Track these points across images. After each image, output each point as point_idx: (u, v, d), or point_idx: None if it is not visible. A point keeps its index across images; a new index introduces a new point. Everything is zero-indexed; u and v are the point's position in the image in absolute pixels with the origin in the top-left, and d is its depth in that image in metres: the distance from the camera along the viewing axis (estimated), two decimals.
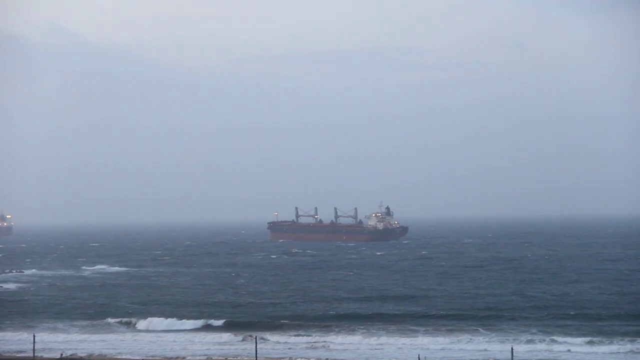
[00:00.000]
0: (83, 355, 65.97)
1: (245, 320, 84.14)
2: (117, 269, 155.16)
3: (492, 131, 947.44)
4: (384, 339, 73.10)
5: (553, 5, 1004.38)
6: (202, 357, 66.46)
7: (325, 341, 72.96)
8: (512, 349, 61.24)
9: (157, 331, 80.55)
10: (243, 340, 74.52)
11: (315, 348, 70.47)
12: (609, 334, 71.71)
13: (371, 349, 69.70)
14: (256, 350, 61.81)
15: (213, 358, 65.63)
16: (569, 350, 67.03)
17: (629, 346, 67.44)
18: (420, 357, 62.55)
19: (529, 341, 70.20)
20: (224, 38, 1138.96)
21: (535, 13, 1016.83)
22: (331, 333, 76.50)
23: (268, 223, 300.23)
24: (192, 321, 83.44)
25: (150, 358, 65.87)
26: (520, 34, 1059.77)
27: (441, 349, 68.84)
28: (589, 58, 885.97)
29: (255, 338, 67.12)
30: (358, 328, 78.25)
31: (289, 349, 70.31)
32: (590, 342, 69.15)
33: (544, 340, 70.27)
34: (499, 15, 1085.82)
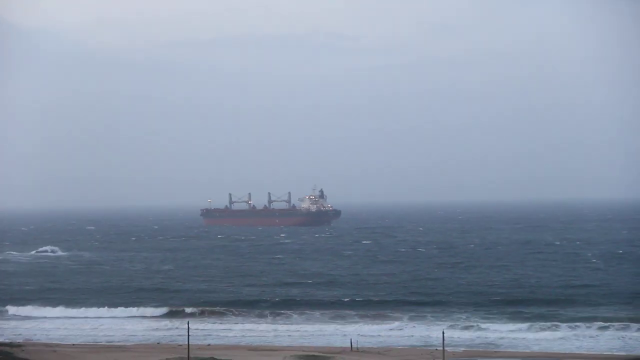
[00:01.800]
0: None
1: (173, 306, 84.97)
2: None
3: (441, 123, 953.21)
4: (317, 326, 74.61)
5: None
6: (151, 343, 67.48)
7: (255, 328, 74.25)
8: (443, 332, 62.89)
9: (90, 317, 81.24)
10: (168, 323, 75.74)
11: (249, 333, 71.69)
12: (528, 318, 74.49)
13: (301, 336, 71.04)
14: (188, 337, 62.62)
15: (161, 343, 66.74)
16: (501, 338, 69.10)
17: (549, 332, 70.08)
18: (352, 342, 64.08)
19: (460, 327, 72.24)
20: (152, 20, 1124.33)
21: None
22: (262, 319, 77.94)
23: (201, 210, 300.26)
24: (120, 309, 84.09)
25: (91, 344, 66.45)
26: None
27: (372, 335, 70.54)
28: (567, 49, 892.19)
29: (188, 323, 67.90)
30: (291, 313, 79.74)
31: (223, 334, 71.39)
32: (519, 329, 71.59)
33: (472, 327, 72.38)
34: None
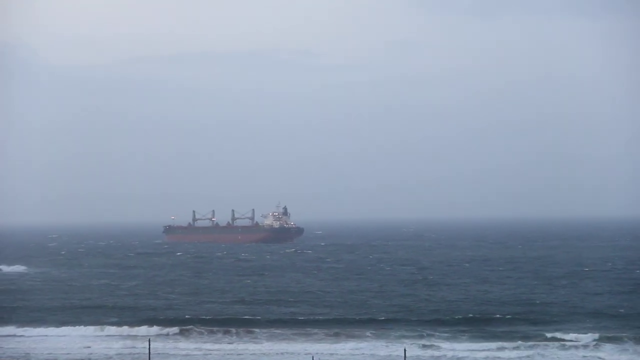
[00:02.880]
0: None
1: (133, 324, 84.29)
2: None
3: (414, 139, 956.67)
4: (280, 344, 74.41)
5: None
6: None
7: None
8: (404, 350, 62.98)
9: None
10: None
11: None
12: (490, 337, 74.87)
13: (264, 354, 70.76)
14: (150, 355, 62.08)
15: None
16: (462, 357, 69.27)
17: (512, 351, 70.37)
18: (313, 358, 64.08)
19: (421, 345, 72.31)
20: (111, 36, 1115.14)
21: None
22: (226, 336, 77.59)
23: (164, 227, 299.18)
24: (83, 327, 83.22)
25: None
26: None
27: (333, 353, 70.45)
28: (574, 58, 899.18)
29: (149, 341, 67.35)
30: (254, 330, 79.48)
31: (184, 352, 70.92)
32: (481, 348, 71.86)
33: (433, 346, 72.50)
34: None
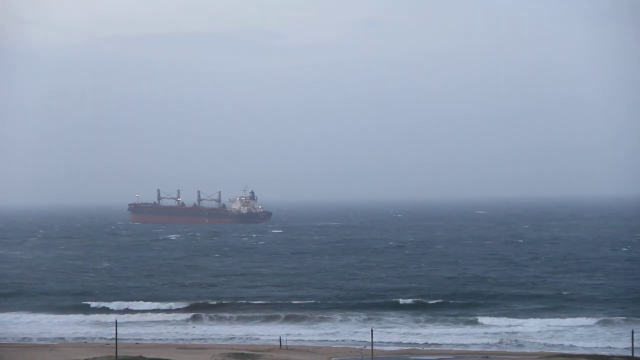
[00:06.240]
0: None
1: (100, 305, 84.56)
2: None
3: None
4: (249, 327, 75.15)
5: None
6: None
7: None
8: (371, 330, 63.73)
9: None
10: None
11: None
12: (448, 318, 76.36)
13: (232, 336, 71.29)
14: (116, 334, 62.42)
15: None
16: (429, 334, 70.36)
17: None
18: (281, 340, 64.65)
19: (391, 327, 73.22)
20: (79, 17, 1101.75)
21: None
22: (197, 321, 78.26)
23: (129, 205, 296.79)
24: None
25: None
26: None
27: (301, 334, 71.16)
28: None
29: (116, 322, 67.60)
30: (222, 314, 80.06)
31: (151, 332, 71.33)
32: (446, 330, 72.95)
33: (403, 325, 73.48)
34: None
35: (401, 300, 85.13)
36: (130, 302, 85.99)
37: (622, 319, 74.03)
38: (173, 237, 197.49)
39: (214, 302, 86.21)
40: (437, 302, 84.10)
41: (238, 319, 78.44)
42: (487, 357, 61.07)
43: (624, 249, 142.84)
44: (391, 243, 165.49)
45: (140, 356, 56.32)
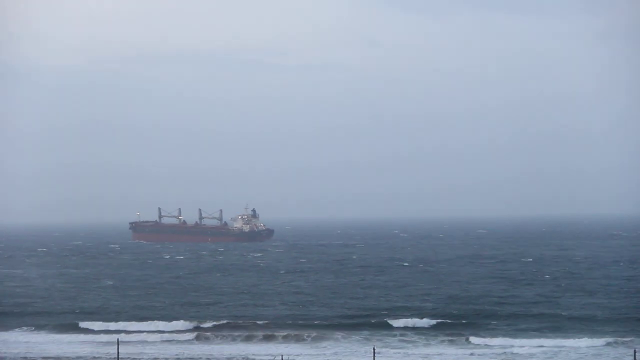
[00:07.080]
0: None
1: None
2: None
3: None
4: (246, 346, 74.81)
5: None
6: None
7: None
8: (374, 348, 63.48)
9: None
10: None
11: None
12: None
13: (231, 356, 71.11)
14: (118, 354, 62.25)
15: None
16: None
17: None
18: (282, 358, 64.58)
19: (391, 346, 72.93)
20: (80, 39, 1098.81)
21: None
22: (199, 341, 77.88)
23: (130, 223, 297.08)
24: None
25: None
26: None
27: (300, 355, 70.93)
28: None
29: (117, 340, 67.51)
30: (220, 333, 79.75)
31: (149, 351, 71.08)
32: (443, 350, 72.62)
33: (406, 345, 73.23)
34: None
35: (404, 320, 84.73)
36: (132, 322, 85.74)
37: (627, 340, 73.64)
38: (175, 255, 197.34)
39: (216, 322, 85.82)
40: (438, 322, 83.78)
41: (238, 337, 78.19)
42: None
43: (629, 267, 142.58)
44: (395, 262, 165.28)
45: None
